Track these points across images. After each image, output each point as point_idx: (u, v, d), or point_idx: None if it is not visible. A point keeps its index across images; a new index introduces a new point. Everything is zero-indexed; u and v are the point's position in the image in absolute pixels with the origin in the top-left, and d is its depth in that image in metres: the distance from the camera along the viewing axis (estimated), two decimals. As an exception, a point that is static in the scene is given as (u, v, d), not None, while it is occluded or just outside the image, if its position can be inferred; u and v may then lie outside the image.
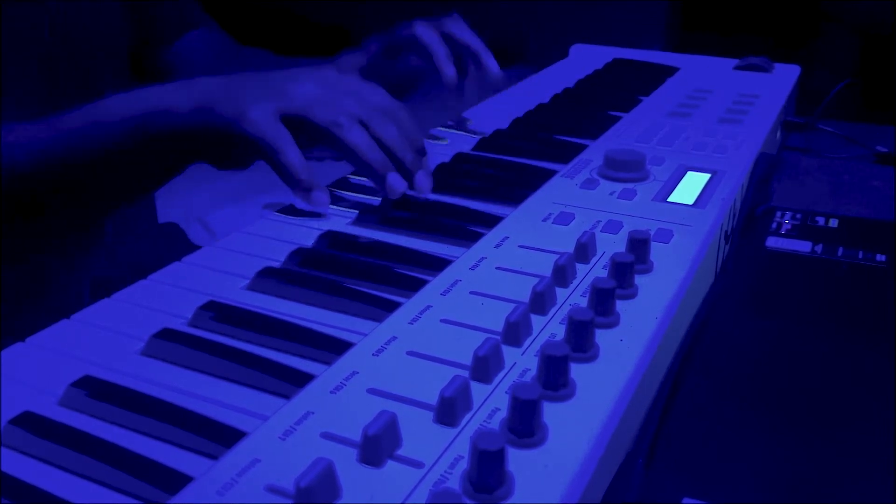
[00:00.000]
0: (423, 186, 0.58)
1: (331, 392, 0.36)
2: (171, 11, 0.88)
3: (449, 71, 0.72)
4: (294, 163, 0.53)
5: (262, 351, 0.41)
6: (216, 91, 0.55)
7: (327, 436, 0.33)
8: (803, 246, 0.59)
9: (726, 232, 0.58)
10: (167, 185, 0.64)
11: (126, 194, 0.63)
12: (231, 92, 0.55)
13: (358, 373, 0.37)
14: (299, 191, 0.53)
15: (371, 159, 0.55)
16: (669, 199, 0.57)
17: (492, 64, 0.74)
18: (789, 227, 0.62)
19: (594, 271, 0.47)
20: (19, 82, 0.69)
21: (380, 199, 0.59)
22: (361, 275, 0.48)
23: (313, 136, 0.55)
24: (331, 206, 0.56)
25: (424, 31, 0.72)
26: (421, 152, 0.61)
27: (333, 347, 0.40)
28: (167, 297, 0.46)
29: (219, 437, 0.34)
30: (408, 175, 0.58)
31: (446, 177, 0.64)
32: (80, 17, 0.74)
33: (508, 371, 0.37)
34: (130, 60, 0.84)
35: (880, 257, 0.57)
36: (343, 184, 0.62)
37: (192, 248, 0.52)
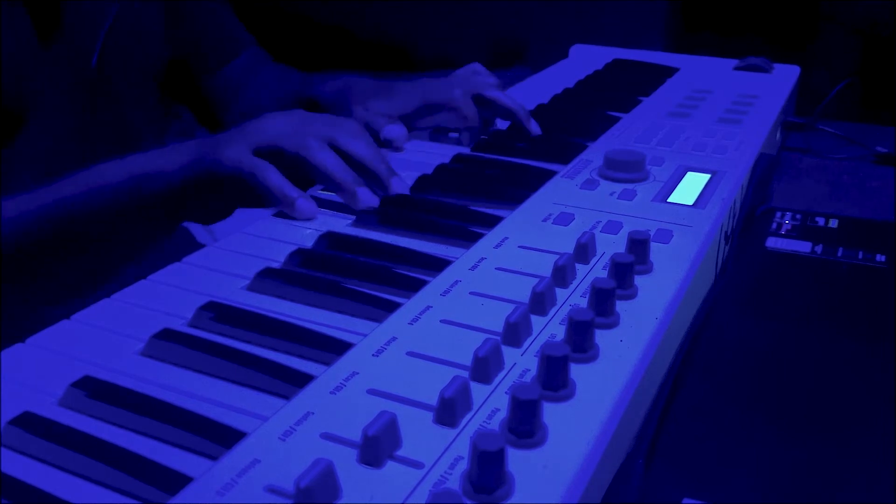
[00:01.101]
0: (401, 191, 0.61)
1: (331, 392, 0.36)
2: (222, 39, 0.90)
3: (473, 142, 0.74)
4: (273, 181, 0.56)
5: (261, 351, 0.41)
6: (198, 147, 0.59)
7: (327, 436, 0.33)
8: (803, 246, 0.59)
9: (726, 232, 0.58)
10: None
11: (120, 257, 0.65)
12: (210, 145, 0.58)
13: (358, 373, 0.37)
14: (284, 206, 0.56)
15: (341, 178, 0.57)
16: (669, 200, 0.57)
17: (534, 128, 0.76)
18: (789, 227, 0.62)
19: (594, 272, 0.47)
20: (60, 111, 0.70)
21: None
22: (361, 275, 0.48)
23: (286, 164, 0.57)
24: (332, 210, 0.57)
25: (463, 103, 0.74)
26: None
27: (333, 348, 0.40)
28: (167, 297, 0.46)
29: (218, 437, 0.34)
30: (381, 185, 0.60)
31: (446, 177, 0.64)
32: (130, 48, 0.76)
33: (508, 371, 0.37)
34: (181, 86, 0.87)
35: (880, 258, 0.57)
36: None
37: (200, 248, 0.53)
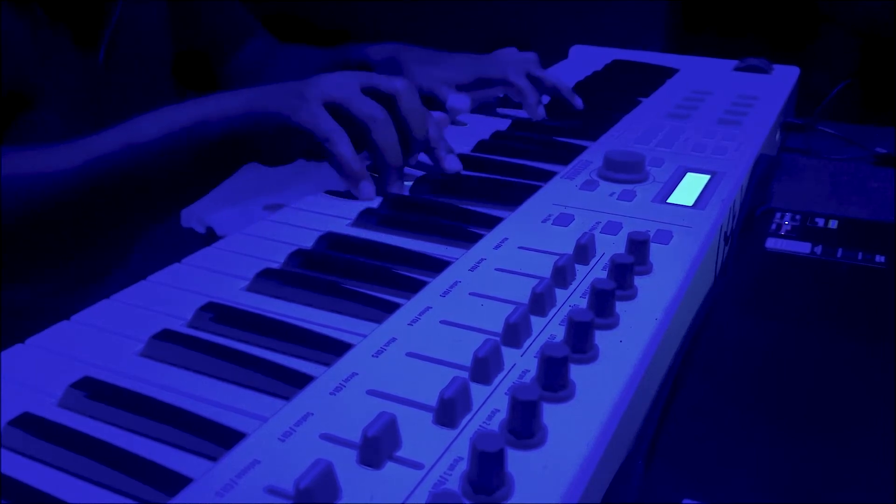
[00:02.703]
0: (453, 164, 0.65)
1: (330, 393, 0.36)
2: (231, 26, 0.91)
3: (540, 112, 0.81)
4: (346, 154, 0.57)
5: (261, 352, 0.41)
6: (263, 95, 0.59)
7: (327, 437, 0.33)
8: (803, 247, 0.59)
9: (726, 233, 0.58)
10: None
11: (178, 201, 0.67)
12: (277, 93, 0.59)
13: (357, 374, 0.37)
14: (350, 180, 0.58)
15: (392, 163, 0.59)
16: (669, 201, 0.57)
17: (577, 102, 0.84)
18: (789, 228, 0.62)
19: (594, 272, 0.47)
20: (69, 100, 0.70)
21: (380, 198, 0.59)
22: (361, 276, 0.48)
23: (351, 128, 0.58)
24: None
25: (518, 78, 0.81)
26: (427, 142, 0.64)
27: (333, 349, 0.40)
28: (167, 298, 0.46)
29: (218, 438, 0.34)
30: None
31: (446, 177, 0.64)
32: (137, 44, 0.77)
33: (508, 372, 0.37)
34: (199, 77, 0.89)
35: (880, 258, 0.57)
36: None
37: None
